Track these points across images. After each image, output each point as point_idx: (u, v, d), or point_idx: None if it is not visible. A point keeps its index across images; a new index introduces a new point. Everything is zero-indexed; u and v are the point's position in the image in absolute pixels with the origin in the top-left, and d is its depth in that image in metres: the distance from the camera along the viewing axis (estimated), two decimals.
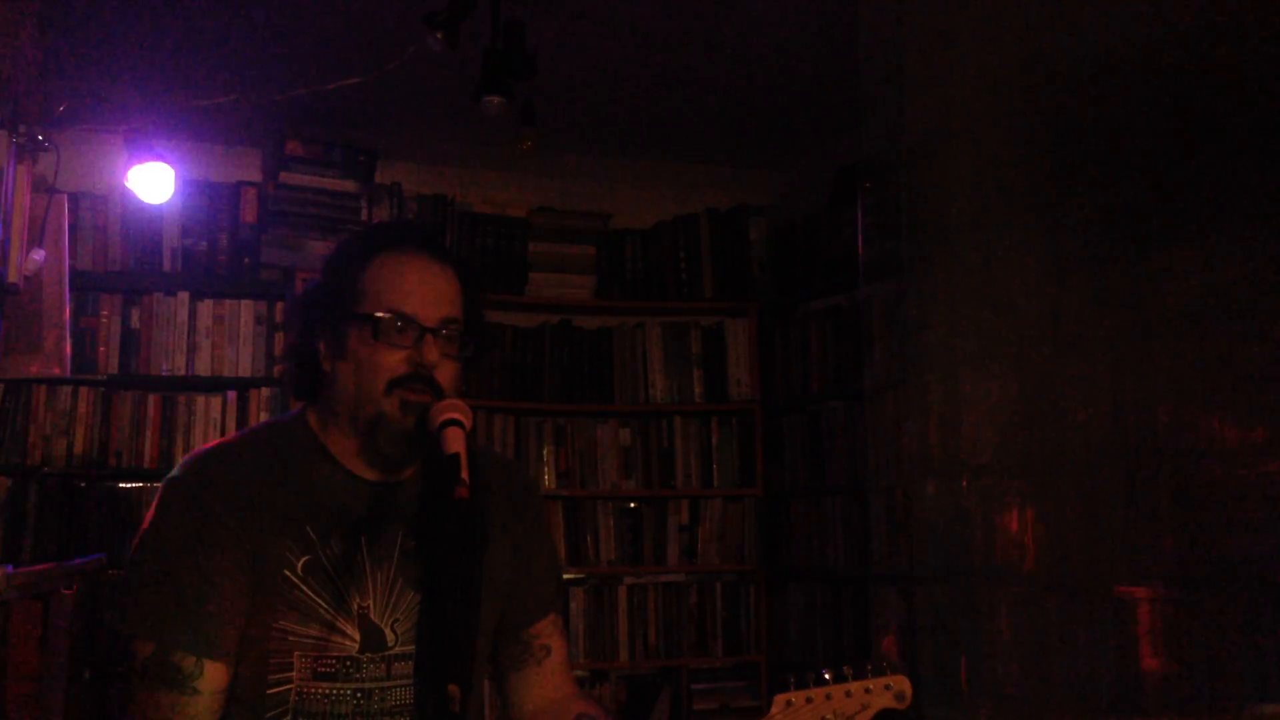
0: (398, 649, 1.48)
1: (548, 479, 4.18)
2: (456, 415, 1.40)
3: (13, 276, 2.34)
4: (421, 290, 1.46)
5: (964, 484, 2.49)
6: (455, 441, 1.37)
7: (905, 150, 2.25)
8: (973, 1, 2.12)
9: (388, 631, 1.48)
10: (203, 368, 3.82)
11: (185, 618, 1.41)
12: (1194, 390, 1.96)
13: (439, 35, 2.80)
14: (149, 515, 1.47)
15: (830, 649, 3.96)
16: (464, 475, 1.33)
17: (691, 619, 4.25)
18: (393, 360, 1.43)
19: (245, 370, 3.84)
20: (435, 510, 1.47)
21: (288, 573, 1.44)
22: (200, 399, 3.80)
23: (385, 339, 1.43)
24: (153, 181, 3.23)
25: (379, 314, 1.44)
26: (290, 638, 1.44)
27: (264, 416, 3.76)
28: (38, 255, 2.46)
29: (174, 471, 1.49)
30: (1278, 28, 1.81)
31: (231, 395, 3.82)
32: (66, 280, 2.61)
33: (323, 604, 1.45)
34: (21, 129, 2.46)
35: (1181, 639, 2.00)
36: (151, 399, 3.75)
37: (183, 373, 3.79)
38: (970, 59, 2.14)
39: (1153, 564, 2.06)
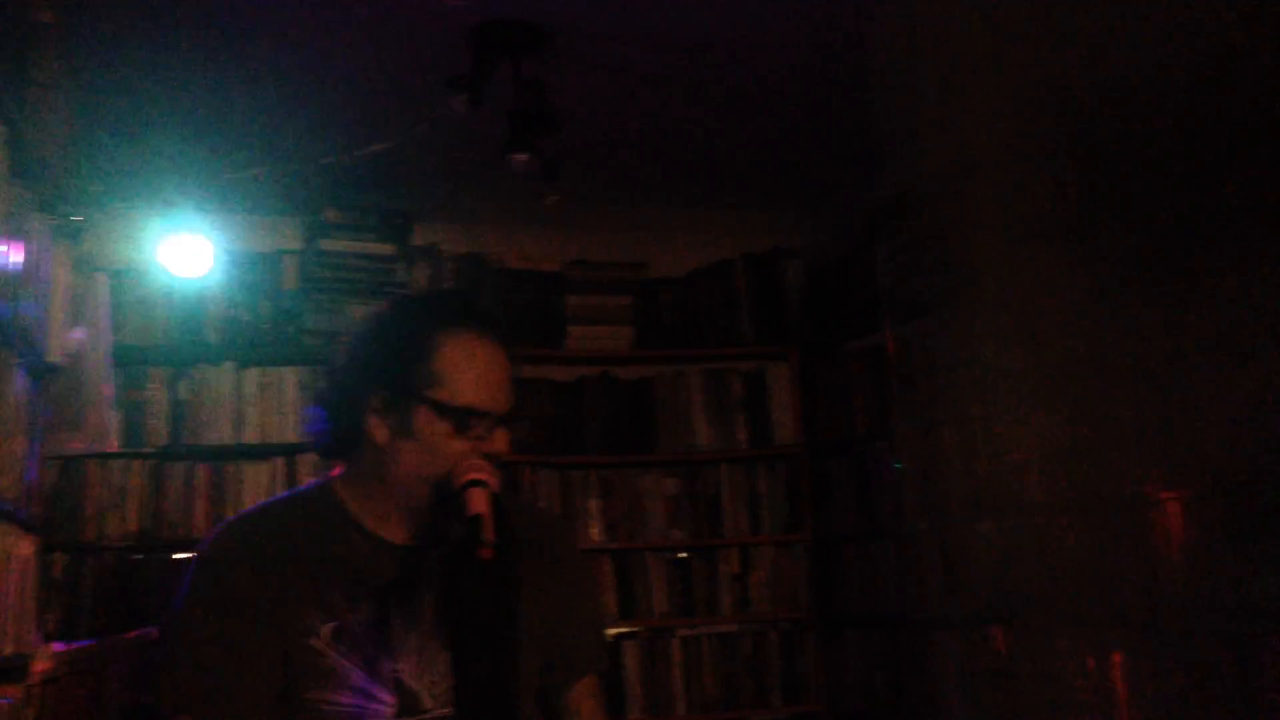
0: (436, 712, 1.47)
1: (595, 532, 4.16)
2: (480, 475, 1.41)
3: (53, 356, 2.38)
4: (495, 380, 1.48)
5: (1014, 522, 2.44)
6: (478, 502, 1.37)
7: (929, 187, 2.23)
8: (988, 31, 2.11)
9: (424, 695, 1.47)
10: (250, 436, 3.85)
11: (216, 692, 1.41)
12: (1243, 416, 1.90)
13: (463, 98, 2.84)
14: (180, 591, 1.48)
15: (891, 696, 3.87)
16: (488, 536, 1.33)
17: (748, 669, 4.18)
18: (464, 448, 1.45)
19: (292, 436, 3.87)
20: (460, 572, 1.46)
21: (313, 641, 1.44)
22: (249, 467, 3.83)
23: (463, 433, 1.44)
24: (191, 255, 3.29)
25: (460, 407, 1.44)
26: (324, 707, 1.43)
27: (302, 485, 3.79)
28: (78, 334, 2.50)
29: (201, 545, 1.50)
30: None
31: (279, 462, 3.85)
32: (109, 357, 2.65)
33: (353, 670, 1.45)
34: (63, 210, 2.51)
35: (1248, 675, 1.93)
36: (201, 469, 3.79)
37: (230, 442, 3.83)
38: (989, 91, 2.12)
39: (1216, 598, 2.00)
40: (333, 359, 1.57)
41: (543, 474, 4.13)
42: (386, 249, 4.04)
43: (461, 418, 1.44)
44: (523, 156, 2.91)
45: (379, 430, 1.47)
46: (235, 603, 1.44)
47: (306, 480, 3.78)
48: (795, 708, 4.18)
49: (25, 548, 2.25)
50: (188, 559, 3.93)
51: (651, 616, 4.16)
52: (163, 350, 3.84)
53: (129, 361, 3.72)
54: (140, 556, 3.67)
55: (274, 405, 3.89)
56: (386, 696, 1.45)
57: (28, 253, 2.16)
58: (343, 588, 1.47)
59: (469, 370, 1.46)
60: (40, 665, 2.24)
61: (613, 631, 4.10)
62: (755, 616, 4.21)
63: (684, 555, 4.23)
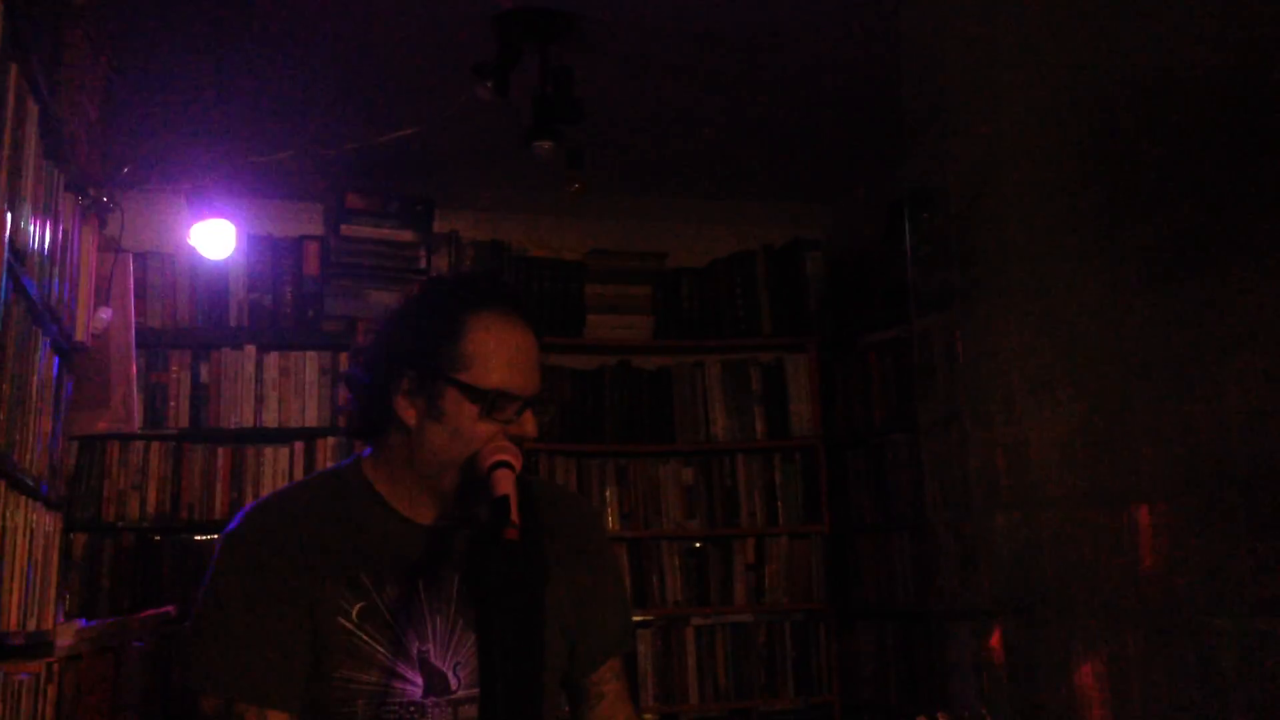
0: (461, 692, 1.48)
1: (611, 520, 4.17)
2: (506, 457, 1.42)
3: (80, 335, 2.40)
4: (523, 363, 1.48)
5: (1033, 515, 2.44)
6: (504, 483, 1.38)
7: (954, 180, 2.23)
8: (1017, 25, 2.10)
9: (450, 675, 1.48)
10: (270, 419, 3.88)
11: (247, 670, 1.43)
12: (1266, 410, 1.90)
13: (489, 85, 2.84)
14: (209, 570, 1.49)
15: (904, 688, 3.88)
16: (513, 517, 1.33)
17: (761, 659, 4.19)
18: (492, 430, 1.45)
19: (312, 420, 3.89)
20: (486, 552, 1.48)
21: (342, 620, 1.45)
22: (269, 450, 3.85)
23: (491, 415, 1.45)
24: (215, 238, 3.31)
25: (488, 389, 1.44)
26: (352, 685, 1.44)
27: (330, 465, 3.80)
28: (104, 314, 2.52)
29: (230, 525, 1.51)
30: None
31: (299, 445, 3.87)
32: (133, 338, 2.67)
33: (381, 650, 1.46)
34: (91, 191, 2.53)
35: (1268, 668, 1.93)
36: (221, 452, 3.81)
37: (250, 425, 3.85)
38: (1017, 84, 2.12)
39: (1233, 592, 1.99)
40: (363, 340, 1.58)
41: (560, 461, 4.14)
42: (407, 235, 4.06)
43: (490, 400, 1.44)
44: (547, 144, 2.91)
45: (407, 412, 1.47)
46: (264, 582, 1.45)
47: (325, 464, 3.81)
48: (808, 698, 4.19)
49: (49, 525, 2.27)
50: (208, 540, 3.96)
51: (666, 605, 4.17)
52: (185, 333, 3.86)
53: (152, 344, 3.75)
54: (159, 537, 3.69)
55: (294, 389, 3.91)
56: (413, 676, 1.46)
57: (57, 232, 2.18)
58: (371, 568, 1.48)
59: (498, 353, 1.46)
60: (63, 641, 2.26)
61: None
62: (769, 607, 4.22)
63: (699, 545, 4.25)
